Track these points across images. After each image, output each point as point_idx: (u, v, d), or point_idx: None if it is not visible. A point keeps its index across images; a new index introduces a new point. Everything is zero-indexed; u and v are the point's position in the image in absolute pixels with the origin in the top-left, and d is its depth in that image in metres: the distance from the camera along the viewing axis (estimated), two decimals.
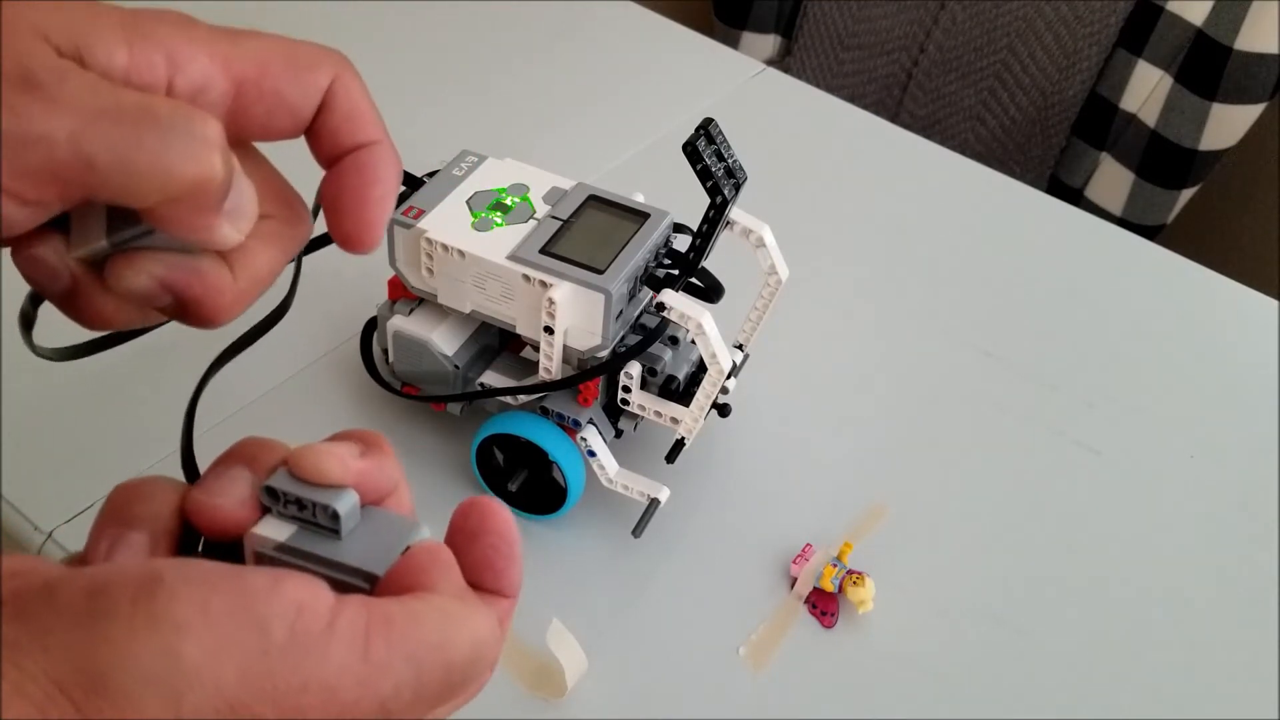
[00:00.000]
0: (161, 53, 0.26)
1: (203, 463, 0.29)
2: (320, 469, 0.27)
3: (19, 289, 0.29)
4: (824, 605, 0.54)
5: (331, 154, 0.30)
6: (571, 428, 0.53)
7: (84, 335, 0.33)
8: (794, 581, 0.54)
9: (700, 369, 0.54)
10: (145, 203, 0.25)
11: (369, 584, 0.26)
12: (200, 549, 0.28)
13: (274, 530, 0.27)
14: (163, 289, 0.27)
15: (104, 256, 0.27)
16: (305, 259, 0.34)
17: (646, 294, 0.51)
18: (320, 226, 0.36)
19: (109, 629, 0.22)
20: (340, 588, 0.26)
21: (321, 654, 0.23)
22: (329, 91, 0.29)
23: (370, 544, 0.27)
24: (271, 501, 0.27)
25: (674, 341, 0.54)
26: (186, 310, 0.28)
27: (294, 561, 0.27)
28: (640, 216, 0.51)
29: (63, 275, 0.27)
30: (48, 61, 0.24)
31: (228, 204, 0.26)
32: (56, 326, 0.30)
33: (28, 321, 0.31)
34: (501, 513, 0.29)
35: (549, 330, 0.49)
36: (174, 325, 0.34)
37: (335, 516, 0.27)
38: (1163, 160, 1.21)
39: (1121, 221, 1.25)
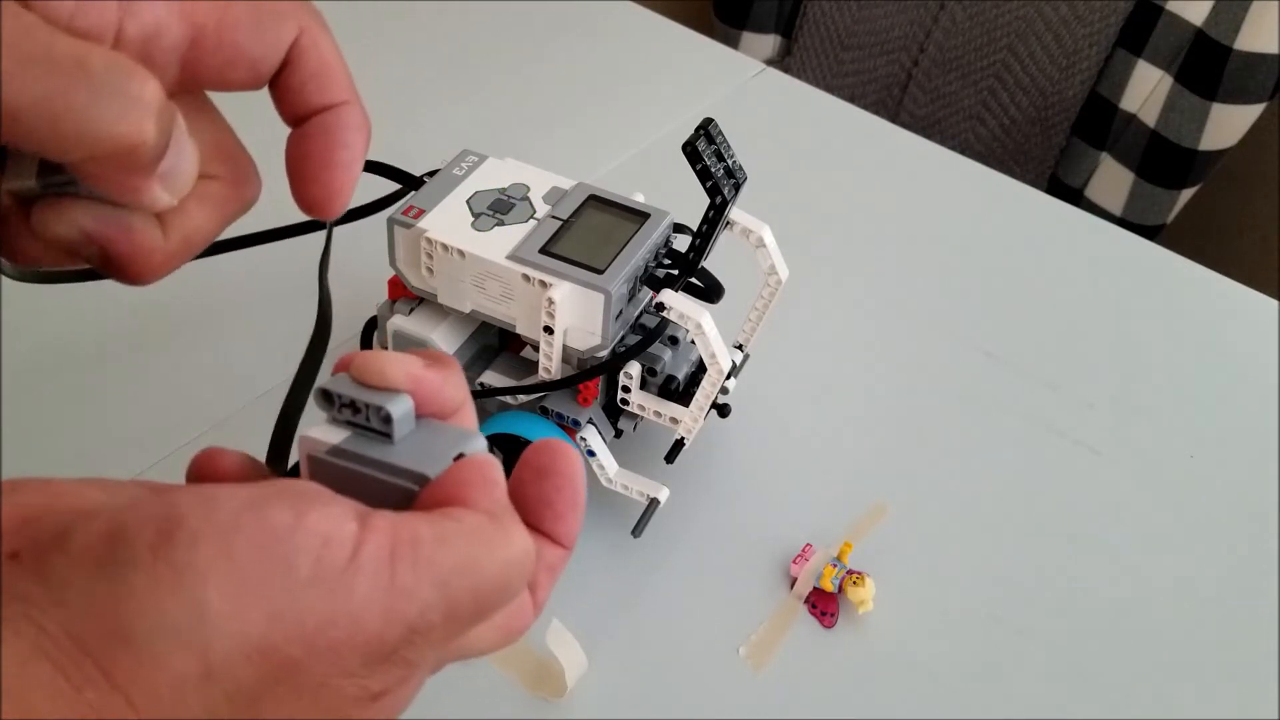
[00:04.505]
0: None
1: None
2: (383, 371, 0.27)
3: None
4: (824, 605, 0.54)
5: (297, 113, 0.28)
6: (571, 428, 0.53)
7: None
8: (794, 581, 0.54)
9: (700, 369, 0.54)
10: (68, 158, 0.23)
11: (418, 485, 0.26)
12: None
13: (328, 434, 0.27)
14: (88, 241, 0.26)
15: (34, 196, 0.26)
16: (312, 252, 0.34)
17: (646, 294, 0.51)
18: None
19: (130, 579, 0.21)
20: (387, 493, 0.25)
21: (347, 587, 0.22)
22: (295, 46, 0.27)
23: (423, 448, 0.27)
24: (326, 405, 0.27)
25: (674, 341, 0.54)
26: (111, 266, 0.26)
27: (346, 465, 0.26)
28: (640, 216, 0.51)
29: None
30: None
31: (163, 165, 0.25)
32: None
33: None
34: (574, 457, 0.28)
35: (549, 330, 0.49)
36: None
37: (388, 419, 0.26)
38: (1163, 160, 1.21)
39: (1121, 221, 1.25)
